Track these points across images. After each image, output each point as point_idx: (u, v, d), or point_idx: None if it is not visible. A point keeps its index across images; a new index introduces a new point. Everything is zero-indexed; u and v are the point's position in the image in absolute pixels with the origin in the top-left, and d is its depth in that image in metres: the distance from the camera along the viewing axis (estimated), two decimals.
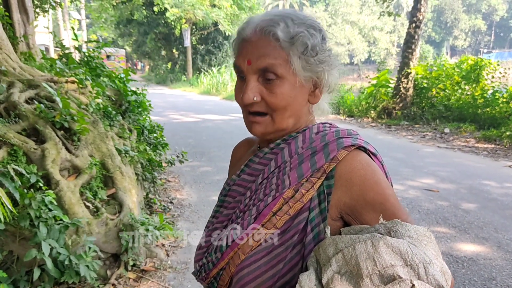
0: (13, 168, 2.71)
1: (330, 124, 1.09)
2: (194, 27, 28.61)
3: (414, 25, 11.62)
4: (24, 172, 2.78)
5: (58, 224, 2.71)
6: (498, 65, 11.10)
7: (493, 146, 8.46)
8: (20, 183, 2.68)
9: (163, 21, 27.98)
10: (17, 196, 2.56)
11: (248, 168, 1.10)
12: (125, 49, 37.11)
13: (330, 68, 1.02)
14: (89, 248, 2.79)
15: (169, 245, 3.76)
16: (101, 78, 4.93)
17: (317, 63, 0.98)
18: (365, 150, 0.98)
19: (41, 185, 2.85)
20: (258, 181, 1.03)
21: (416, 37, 11.66)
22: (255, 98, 0.98)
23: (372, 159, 0.98)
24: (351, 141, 0.96)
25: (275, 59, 0.95)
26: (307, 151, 0.99)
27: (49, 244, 2.58)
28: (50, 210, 2.69)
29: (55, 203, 2.77)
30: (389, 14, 14.29)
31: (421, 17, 11.53)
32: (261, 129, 1.03)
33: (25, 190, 2.70)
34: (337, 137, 0.99)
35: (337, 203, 0.92)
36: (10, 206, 2.19)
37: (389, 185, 0.94)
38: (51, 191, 2.80)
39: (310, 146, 0.99)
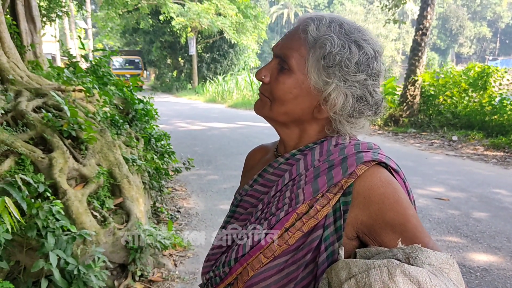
0: (21, 178, 2.68)
1: (350, 136, 1.02)
2: (199, 35, 28.76)
3: (420, 32, 11.59)
4: (31, 181, 2.75)
5: (66, 234, 2.67)
6: (506, 72, 11.02)
7: (502, 153, 8.37)
8: (27, 192, 2.65)
9: (168, 30, 28.14)
10: (24, 206, 2.53)
11: (261, 178, 1.05)
12: (140, 51, 34.54)
13: (343, 88, 0.92)
14: (98, 258, 2.75)
15: (177, 255, 3.72)
16: (108, 86, 4.92)
17: (330, 73, 0.91)
18: (386, 166, 0.92)
19: (49, 194, 2.82)
20: (271, 193, 0.98)
21: (423, 44, 11.62)
22: (263, 77, 0.98)
23: (394, 175, 0.92)
24: (372, 156, 0.91)
25: (293, 50, 0.94)
26: (324, 164, 0.93)
27: (57, 255, 2.54)
28: (57, 220, 2.66)
29: (63, 212, 2.74)
30: (395, 21, 14.29)
31: (427, 25, 11.49)
32: (258, 106, 1.03)
33: (33, 200, 2.67)
34: (356, 151, 0.93)
35: (353, 222, 0.87)
36: (18, 215, 2.15)
37: (410, 205, 0.88)
38: (58, 201, 2.77)
39: (328, 159, 0.94)
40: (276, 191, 0.97)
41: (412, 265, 0.73)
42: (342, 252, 0.84)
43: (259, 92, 1.03)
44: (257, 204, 1.01)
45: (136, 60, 32.06)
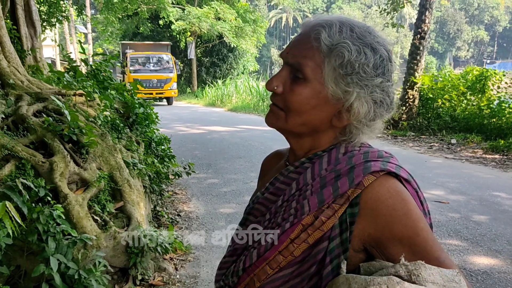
0: (21, 182, 2.68)
1: (362, 143, 0.98)
2: (198, 39, 28.82)
3: (419, 36, 11.63)
4: (32, 185, 2.75)
5: (67, 239, 2.67)
6: (504, 75, 11.06)
7: (501, 156, 8.38)
8: (28, 197, 2.65)
9: (168, 34, 28.20)
10: (25, 210, 2.53)
11: (272, 186, 1.02)
12: (170, 44, 27.06)
13: (367, 95, 0.90)
14: (99, 262, 2.75)
15: (178, 259, 3.72)
16: (109, 90, 4.93)
17: (351, 82, 0.88)
18: (396, 175, 0.88)
19: (49, 199, 2.82)
20: (278, 203, 0.96)
21: (421, 48, 11.66)
22: (275, 87, 0.94)
23: (405, 185, 0.88)
24: (380, 166, 0.87)
25: (307, 59, 0.89)
26: (330, 174, 0.90)
27: (57, 259, 2.54)
28: (58, 224, 2.66)
29: (63, 217, 2.74)
30: (393, 25, 14.34)
31: (425, 29, 11.53)
32: (272, 119, 0.97)
33: (33, 204, 2.67)
34: (365, 160, 0.90)
35: (360, 234, 0.84)
36: (18, 220, 2.15)
37: (421, 217, 0.84)
38: (59, 205, 2.77)
39: (335, 169, 0.91)
40: (283, 201, 0.95)
41: (414, 283, 0.71)
42: (344, 267, 0.83)
43: (271, 103, 0.98)
44: (265, 213, 1.00)
45: (166, 58, 23.75)
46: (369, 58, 0.88)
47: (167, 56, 23.97)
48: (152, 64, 23.05)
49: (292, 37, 1.03)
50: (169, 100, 23.51)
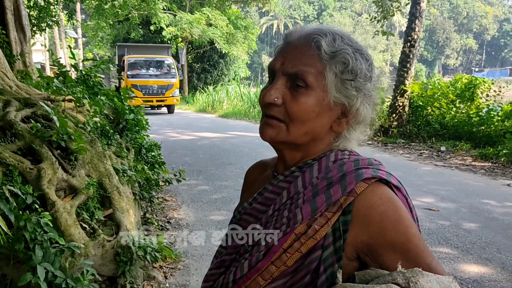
0: (8, 189, 2.63)
1: (350, 151, 0.99)
2: (190, 45, 28.83)
3: (409, 44, 11.74)
4: (19, 192, 2.70)
5: (54, 247, 2.62)
6: (493, 83, 11.19)
7: (490, 164, 8.45)
8: (15, 204, 2.60)
9: (159, 40, 28.18)
10: (12, 217, 2.48)
11: (260, 196, 1.01)
12: (170, 46, 25.07)
13: (366, 99, 0.94)
14: (87, 271, 2.70)
15: (167, 267, 3.67)
16: (99, 96, 4.88)
17: (352, 87, 0.91)
18: (387, 182, 0.89)
19: (37, 206, 2.77)
20: (269, 212, 0.95)
21: (411, 56, 11.77)
22: (275, 99, 0.91)
23: (395, 192, 0.89)
24: (372, 173, 0.88)
25: (309, 67, 0.89)
26: (322, 182, 0.90)
27: (45, 268, 2.49)
28: (45, 232, 2.61)
29: (51, 224, 2.69)
30: (383, 33, 14.44)
31: (415, 37, 11.65)
32: (272, 133, 0.94)
33: (20, 212, 2.62)
34: (356, 167, 0.90)
35: (353, 242, 0.84)
36: (5, 228, 2.11)
37: (412, 223, 0.86)
38: (46, 213, 2.72)
39: (326, 177, 0.91)
40: (274, 210, 0.94)
41: None
42: (339, 276, 0.82)
43: (267, 116, 0.95)
44: (255, 224, 0.98)
45: (167, 62, 21.60)
46: (362, 64, 0.92)
47: (168, 59, 21.80)
48: (152, 69, 20.96)
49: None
50: (170, 108, 21.12)
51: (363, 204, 0.85)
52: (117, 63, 22.57)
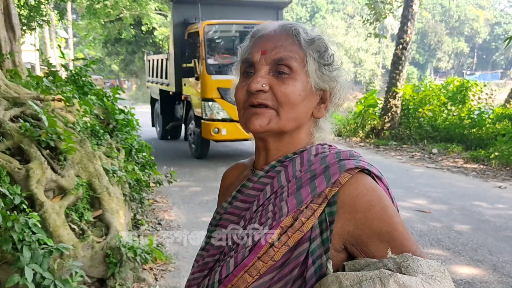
0: None
1: (330, 145, 1.00)
2: None
3: (401, 46, 11.79)
4: (7, 193, 2.66)
5: (42, 248, 2.58)
6: (485, 86, 11.27)
7: (481, 166, 8.50)
8: (3, 204, 2.56)
9: (151, 40, 28.06)
10: None
11: (241, 194, 0.99)
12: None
13: (341, 82, 0.99)
14: (76, 272, 2.66)
15: (158, 269, 3.64)
16: (89, 96, 4.83)
17: (330, 71, 0.96)
18: (369, 173, 0.90)
19: (25, 206, 2.72)
20: (253, 208, 0.93)
21: (403, 58, 11.82)
22: (263, 85, 0.91)
23: (377, 182, 0.90)
24: (354, 163, 0.88)
25: (293, 53, 0.92)
26: (306, 174, 0.89)
27: (33, 269, 2.45)
28: (34, 233, 2.57)
29: (39, 225, 2.65)
30: (376, 35, 14.53)
31: (407, 39, 11.71)
32: (262, 122, 0.92)
33: (8, 212, 2.57)
34: (338, 159, 0.90)
35: (340, 232, 0.84)
36: None
37: (396, 213, 0.87)
38: (35, 213, 2.67)
39: (309, 169, 0.90)
40: (258, 205, 0.92)
41: (405, 274, 0.72)
42: (330, 266, 0.81)
43: (254, 106, 0.93)
44: (238, 222, 0.96)
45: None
46: (330, 49, 0.97)
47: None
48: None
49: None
50: None
51: (348, 194, 0.85)
52: (172, 41, 10.30)
